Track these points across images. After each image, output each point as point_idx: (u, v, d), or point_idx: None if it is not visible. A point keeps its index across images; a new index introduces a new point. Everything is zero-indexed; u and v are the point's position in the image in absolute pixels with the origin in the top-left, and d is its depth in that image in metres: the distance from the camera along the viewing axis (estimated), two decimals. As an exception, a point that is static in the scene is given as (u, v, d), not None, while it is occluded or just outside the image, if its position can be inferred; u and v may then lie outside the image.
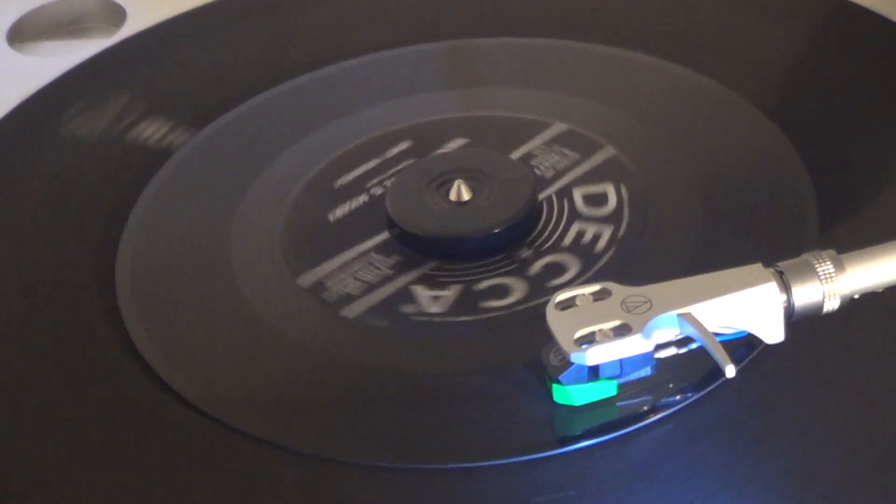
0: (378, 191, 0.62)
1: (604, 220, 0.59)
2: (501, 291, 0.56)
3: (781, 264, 0.50)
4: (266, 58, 0.74)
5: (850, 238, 0.53)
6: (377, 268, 0.58)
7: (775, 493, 0.48)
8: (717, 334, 0.49)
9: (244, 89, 0.71)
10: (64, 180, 0.67)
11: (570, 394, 0.50)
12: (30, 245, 0.63)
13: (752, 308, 0.49)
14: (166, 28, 0.77)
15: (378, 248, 0.59)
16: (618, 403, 0.50)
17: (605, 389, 0.50)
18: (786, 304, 0.50)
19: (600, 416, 0.50)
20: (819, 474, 0.48)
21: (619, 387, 0.50)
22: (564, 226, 0.59)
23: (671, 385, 0.51)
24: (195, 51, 0.75)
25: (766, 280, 0.49)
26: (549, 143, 0.64)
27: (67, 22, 0.80)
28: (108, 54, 0.76)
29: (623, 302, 0.49)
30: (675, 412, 0.50)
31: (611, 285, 0.50)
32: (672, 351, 0.50)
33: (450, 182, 0.60)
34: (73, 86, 0.74)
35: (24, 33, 0.79)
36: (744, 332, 0.50)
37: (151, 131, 0.68)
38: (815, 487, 0.48)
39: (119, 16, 0.79)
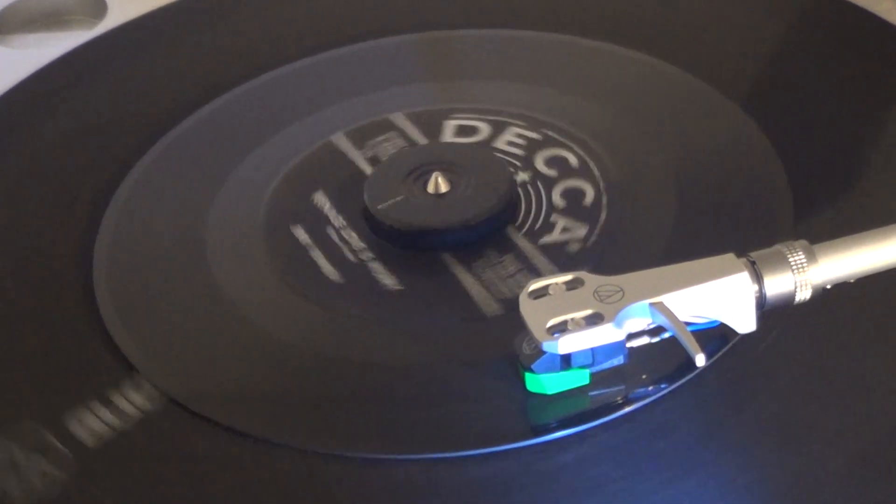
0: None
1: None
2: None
3: (754, 254, 0.50)
4: (244, 51, 0.74)
5: (823, 228, 0.53)
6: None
7: (749, 482, 0.48)
8: (689, 324, 0.49)
9: (221, 83, 0.71)
10: (44, 173, 0.67)
11: (543, 382, 0.50)
12: (6, 239, 0.63)
13: (724, 298, 0.50)
14: (147, 21, 0.77)
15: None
16: (591, 392, 0.50)
17: (577, 378, 0.50)
18: (758, 294, 0.50)
19: (573, 405, 0.50)
20: (795, 466, 0.48)
21: (592, 375, 0.50)
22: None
23: (645, 375, 0.51)
24: (176, 44, 0.75)
25: (739, 270, 0.50)
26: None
27: (49, 14, 0.80)
28: (89, 47, 0.76)
29: (595, 291, 0.50)
30: (649, 402, 0.50)
31: (583, 274, 0.50)
32: (645, 340, 0.50)
33: (427, 175, 0.60)
34: (54, 78, 0.74)
35: (5, 26, 0.79)
36: (716, 321, 0.50)
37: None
38: (790, 478, 0.48)
39: (100, 8, 0.79)
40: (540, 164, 0.62)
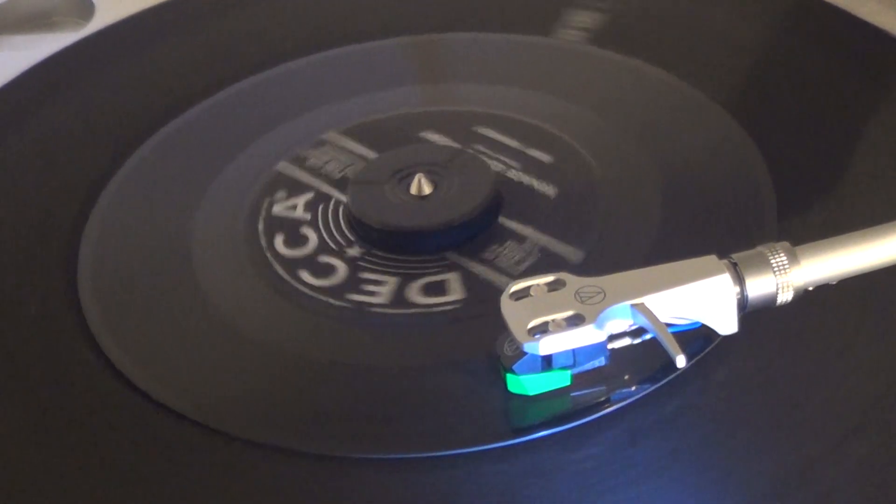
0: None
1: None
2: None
3: (736, 256, 0.50)
4: (231, 53, 0.74)
5: (807, 230, 0.53)
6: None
7: (732, 481, 0.48)
8: (670, 325, 0.49)
9: (208, 85, 0.71)
10: (30, 174, 0.67)
11: (524, 383, 0.50)
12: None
13: (705, 299, 0.50)
14: (134, 22, 0.78)
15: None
16: (572, 393, 0.50)
17: (558, 379, 0.50)
18: (739, 296, 0.50)
19: (555, 406, 0.50)
20: (778, 465, 0.48)
21: (574, 377, 0.50)
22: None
23: (626, 376, 0.51)
24: (163, 45, 0.76)
25: (720, 271, 0.50)
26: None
27: (36, 16, 0.81)
28: (76, 48, 0.76)
29: (577, 292, 0.50)
30: (630, 403, 0.50)
31: (565, 275, 0.51)
32: (626, 341, 0.50)
33: (410, 176, 0.60)
34: (41, 79, 0.74)
35: (-8, 27, 0.80)
36: (697, 322, 0.50)
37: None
38: (774, 477, 0.48)
39: (88, 10, 0.79)
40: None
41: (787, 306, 0.50)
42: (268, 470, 0.50)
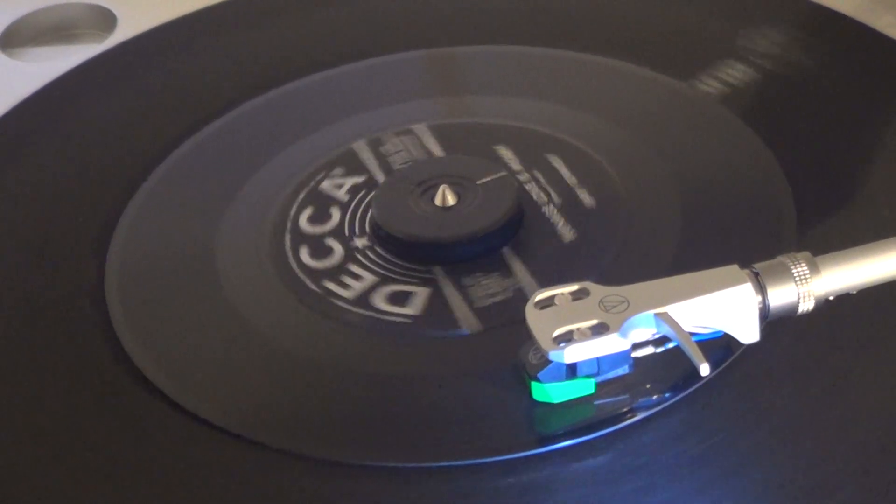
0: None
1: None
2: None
3: (757, 266, 0.51)
4: (256, 64, 0.74)
5: (827, 241, 0.53)
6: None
7: (755, 492, 0.49)
8: (693, 334, 0.50)
9: (233, 96, 0.71)
10: (54, 185, 0.67)
11: (549, 391, 0.50)
12: (18, 253, 0.63)
13: (727, 308, 0.50)
14: (157, 34, 0.78)
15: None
16: (596, 402, 0.51)
17: (583, 387, 0.51)
18: (761, 305, 0.50)
19: (579, 414, 0.51)
20: (799, 474, 0.49)
21: (598, 385, 0.51)
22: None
23: (650, 384, 0.51)
24: (185, 57, 0.76)
25: (742, 281, 0.50)
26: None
27: (59, 28, 0.81)
28: (98, 60, 0.76)
29: (601, 301, 0.50)
30: (654, 412, 0.51)
31: (589, 285, 0.51)
32: (650, 350, 0.51)
33: (434, 188, 0.61)
34: (64, 91, 0.74)
35: (14, 39, 0.80)
36: (720, 331, 0.50)
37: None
38: (793, 487, 0.48)
39: (110, 22, 0.79)
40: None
41: (808, 315, 0.51)
42: (287, 476, 0.51)
